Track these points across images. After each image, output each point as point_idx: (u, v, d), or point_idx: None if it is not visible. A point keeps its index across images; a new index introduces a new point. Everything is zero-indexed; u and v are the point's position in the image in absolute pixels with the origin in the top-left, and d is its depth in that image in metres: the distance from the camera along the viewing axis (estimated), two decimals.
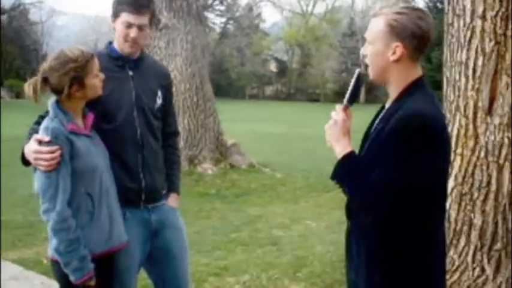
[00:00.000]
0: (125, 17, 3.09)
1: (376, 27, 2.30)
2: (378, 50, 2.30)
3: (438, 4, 33.88)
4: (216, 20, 60.29)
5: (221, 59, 55.37)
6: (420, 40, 2.25)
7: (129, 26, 3.10)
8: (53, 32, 48.83)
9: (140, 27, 3.13)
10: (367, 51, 2.35)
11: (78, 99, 2.88)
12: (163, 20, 11.05)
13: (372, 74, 2.36)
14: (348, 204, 2.42)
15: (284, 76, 60.14)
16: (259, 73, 57.04)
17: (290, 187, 10.35)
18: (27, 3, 42.66)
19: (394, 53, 2.25)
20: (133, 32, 3.11)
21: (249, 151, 12.67)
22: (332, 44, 56.43)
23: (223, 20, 60.10)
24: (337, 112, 2.40)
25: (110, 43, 3.27)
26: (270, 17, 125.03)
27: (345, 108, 2.42)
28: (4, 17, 41.38)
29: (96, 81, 2.88)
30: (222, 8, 59.07)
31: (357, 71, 2.45)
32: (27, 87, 2.84)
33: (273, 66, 61.74)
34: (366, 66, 2.39)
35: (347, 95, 2.45)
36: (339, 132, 2.35)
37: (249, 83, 58.20)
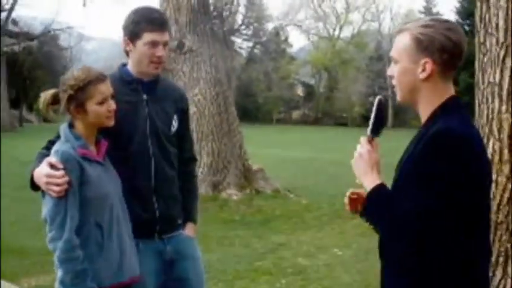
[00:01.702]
0: (149, 36, 2.95)
1: (402, 43, 2.09)
2: (405, 68, 2.09)
3: (466, 27, 33.58)
4: (242, 45, 60.66)
5: (248, 83, 55.54)
6: (451, 54, 2.03)
7: (154, 44, 2.97)
8: (81, 57, 49.52)
9: (165, 45, 3.02)
10: (393, 71, 2.15)
11: (84, 124, 2.75)
12: (188, 43, 10.99)
13: (399, 95, 2.15)
14: (381, 243, 2.20)
15: (311, 100, 60.07)
16: (286, 97, 57.05)
17: (316, 213, 10.13)
18: (57, 28, 43.28)
19: (423, 70, 2.04)
20: (160, 51, 2.98)
21: (274, 176, 12.51)
22: (359, 67, 56.32)
23: (250, 44, 60.37)
24: (361, 145, 2.20)
25: (124, 65, 3.13)
26: (297, 42, 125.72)
27: (370, 140, 2.23)
28: (35, 43, 42.10)
29: (99, 110, 2.74)
30: (249, 32, 59.37)
31: (377, 98, 2.25)
32: (41, 98, 2.79)
33: (300, 91, 61.77)
34: (393, 88, 2.19)
35: (370, 126, 2.25)
36: (365, 165, 2.16)
37: (276, 107, 58.18)
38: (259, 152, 18.16)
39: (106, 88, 2.76)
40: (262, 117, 55.12)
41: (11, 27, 39.88)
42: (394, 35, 2.20)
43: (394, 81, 2.15)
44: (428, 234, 1.93)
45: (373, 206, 2.11)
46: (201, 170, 10.97)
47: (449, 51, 2.02)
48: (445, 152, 1.91)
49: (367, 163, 2.16)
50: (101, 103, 2.73)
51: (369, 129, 2.25)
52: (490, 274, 4.02)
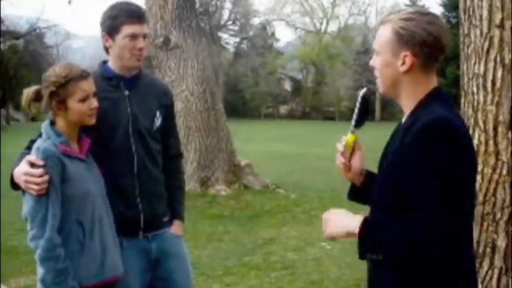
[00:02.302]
0: (129, 29, 2.92)
1: (383, 36, 2.08)
2: (386, 61, 2.08)
3: (452, 19, 33.65)
4: (229, 40, 60.51)
5: (235, 79, 55.42)
6: (432, 47, 2.02)
7: (134, 37, 2.93)
8: (68, 55, 49.23)
9: (144, 37, 2.98)
10: (375, 62, 2.14)
11: (66, 121, 2.72)
12: (173, 39, 10.94)
13: (381, 87, 2.14)
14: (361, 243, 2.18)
15: (299, 95, 60.04)
16: (274, 92, 56.93)
17: (304, 208, 10.12)
18: (43, 27, 43.01)
19: (403, 63, 2.04)
20: (140, 43, 2.95)
21: (263, 171, 12.49)
22: (346, 61, 56.28)
23: (237, 39, 60.24)
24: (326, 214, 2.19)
25: (104, 62, 3.10)
26: (284, 36, 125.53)
27: (354, 133, 2.24)
28: (20, 42, 41.78)
29: (81, 107, 2.71)
30: (236, 28, 59.22)
31: (362, 90, 2.25)
32: (24, 94, 2.75)
33: (287, 85, 61.69)
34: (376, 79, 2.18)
35: (354, 119, 2.25)
36: (338, 222, 2.11)
37: (264, 102, 58.08)
38: (248, 147, 18.13)
39: (88, 86, 2.72)
40: (250, 113, 55.05)
41: None
42: (377, 27, 2.19)
43: (376, 73, 2.14)
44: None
45: (372, 243, 2.03)
46: (189, 166, 10.94)
47: (429, 45, 2.02)
48: (441, 142, 1.90)
49: (337, 218, 2.12)
50: (83, 100, 2.70)
51: (352, 121, 2.25)
52: (477, 265, 4.03)
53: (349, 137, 2.30)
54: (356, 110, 2.25)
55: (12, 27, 41.11)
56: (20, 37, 40.64)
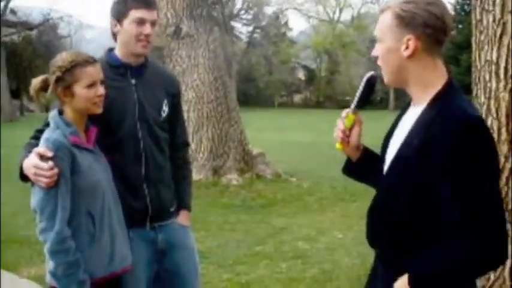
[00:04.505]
0: (136, 13, 2.88)
1: (384, 22, 2.02)
2: (389, 47, 2.02)
3: (466, 7, 33.29)
4: (242, 30, 60.33)
5: (249, 68, 55.29)
6: (434, 28, 1.95)
7: (141, 22, 2.89)
8: (81, 46, 49.28)
9: (153, 24, 2.94)
10: (377, 51, 2.08)
11: (73, 109, 2.68)
12: (185, 29, 10.89)
13: (386, 76, 2.08)
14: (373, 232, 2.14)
15: (312, 84, 59.82)
16: (288, 81, 56.79)
17: (317, 197, 10.07)
18: (56, 17, 43.07)
19: (407, 47, 1.98)
20: (147, 29, 2.90)
21: (276, 160, 12.45)
22: (360, 50, 55.91)
23: (250, 29, 60.04)
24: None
25: (110, 50, 3.06)
26: (297, 25, 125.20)
27: (354, 113, 2.20)
28: (34, 32, 41.87)
29: (87, 94, 2.66)
30: (249, 17, 58.99)
31: (368, 74, 2.22)
32: (32, 84, 2.73)
33: (301, 74, 61.47)
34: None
35: (355, 99, 2.21)
36: None
37: (278, 91, 57.95)
38: (261, 136, 18.08)
39: (95, 71, 2.68)
40: (263, 102, 54.91)
41: (9, 16, 39.67)
42: (378, 15, 2.13)
43: (379, 62, 2.08)
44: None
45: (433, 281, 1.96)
46: (201, 156, 10.93)
47: (432, 26, 1.95)
48: (481, 140, 1.88)
49: None
50: (89, 87, 2.65)
51: (354, 102, 2.22)
52: None
53: (349, 116, 2.27)
54: (359, 91, 2.23)
55: (24, 18, 41.21)
56: (33, 28, 40.72)
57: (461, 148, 1.85)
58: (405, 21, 1.96)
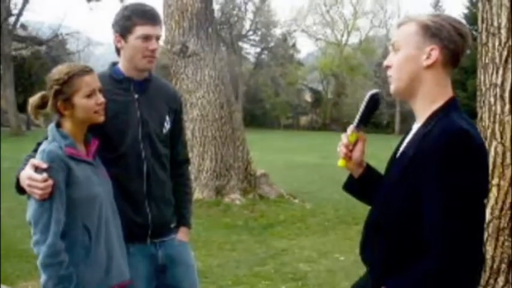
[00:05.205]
0: (142, 30, 2.87)
1: (407, 31, 2.00)
2: (408, 55, 1.99)
3: (474, 33, 33.39)
4: (250, 50, 60.60)
5: (255, 89, 55.45)
6: (457, 46, 1.96)
7: (147, 38, 2.88)
8: (89, 62, 49.60)
9: (157, 39, 2.94)
10: (391, 60, 2.04)
11: (73, 121, 2.66)
12: (191, 47, 10.90)
13: (396, 84, 2.04)
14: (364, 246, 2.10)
15: (319, 106, 59.86)
16: (294, 103, 56.86)
17: (319, 218, 9.99)
18: (65, 33, 43.34)
19: (428, 57, 1.96)
20: (153, 44, 2.90)
21: (279, 181, 12.39)
22: (367, 73, 56.06)
23: (258, 50, 60.30)
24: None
25: (114, 64, 3.05)
26: (305, 47, 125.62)
27: (357, 129, 2.19)
28: (43, 48, 42.14)
29: (88, 103, 2.63)
30: (257, 38, 59.28)
31: (371, 91, 2.19)
32: (29, 102, 2.71)
33: (307, 96, 61.54)
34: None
35: (357, 117, 2.19)
36: None
37: (284, 113, 57.97)
38: (266, 157, 18.04)
39: (92, 80, 2.66)
40: (269, 123, 54.99)
41: (19, 31, 39.96)
42: (395, 26, 2.10)
43: (390, 71, 2.04)
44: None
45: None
46: (204, 175, 10.88)
47: (455, 42, 1.95)
48: (460, 153, 1.83)
49: None
50: (89, 96, 2.63)
51: (355, 121, 2.20)
52: (492, 281, 3.91)
53: (353, 133, 2.26)
54: (361, 108, 2.20)
55: (34, 33, 41.52)
56: (42, 43, 40.99)
57: (441, 160, 1.82)
58: (431, 31, 1.96)
